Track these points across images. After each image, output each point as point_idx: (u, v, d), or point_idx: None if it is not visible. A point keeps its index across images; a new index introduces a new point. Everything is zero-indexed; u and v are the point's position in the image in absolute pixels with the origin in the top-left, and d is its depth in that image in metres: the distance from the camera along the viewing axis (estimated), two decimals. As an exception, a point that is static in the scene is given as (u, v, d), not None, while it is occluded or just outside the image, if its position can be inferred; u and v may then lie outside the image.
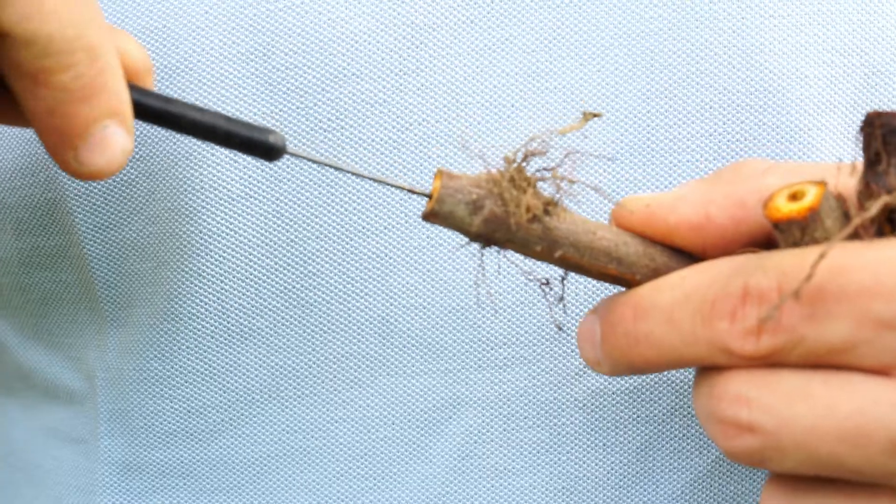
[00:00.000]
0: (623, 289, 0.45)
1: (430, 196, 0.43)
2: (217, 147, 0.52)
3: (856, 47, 0.53)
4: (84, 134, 0.40)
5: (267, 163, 0.52)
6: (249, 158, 0.52)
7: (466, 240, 0.43)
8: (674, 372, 0.54)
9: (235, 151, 0.49)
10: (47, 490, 0.60)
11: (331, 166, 0.44)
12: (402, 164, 0.52)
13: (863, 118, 0.40)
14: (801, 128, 0.53)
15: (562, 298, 0.47)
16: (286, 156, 0.51)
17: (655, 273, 0.44)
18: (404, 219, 0.52)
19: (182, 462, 0.56)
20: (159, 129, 0.52)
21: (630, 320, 0.42)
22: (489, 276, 0.53)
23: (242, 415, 0.55)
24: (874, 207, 0.39)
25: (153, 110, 0.42)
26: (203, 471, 0.56)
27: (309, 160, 0.44)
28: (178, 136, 0.52)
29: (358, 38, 0.52)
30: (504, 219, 0.42)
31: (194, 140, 0.52)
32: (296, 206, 0.52)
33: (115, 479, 0.57)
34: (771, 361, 0.39)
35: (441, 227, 0.52)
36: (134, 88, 0.42)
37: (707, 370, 0.41)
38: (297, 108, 0.52)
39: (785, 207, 0.40)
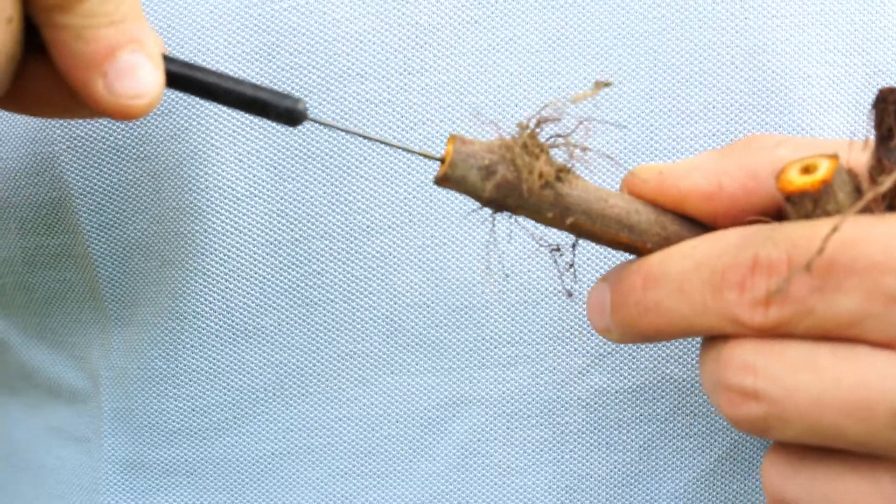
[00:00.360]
0: (634, 257, 0.45)
1: (442, 160, 0.43)
2: (221, 146, 0.52)
3: (858, 47, 0.53)
4: (111, 57, 0.41)
5: (272, 158, 0.52)
6: (253, 157, 0.52)
7: (478, 205, 0.43)
8: (677, 371, 0.54)
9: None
10: (50, 489, 0.60)
11: (349, 132, 0.44)
12: (406, 164, 0.52)
13: (876, 93, 0.40)
14: (804, 127, 0.53)
15: (572, 265, 0.47)
16: (295, 149, 0.51)
17: (667, 241, 0.44)
18: (408, 218, 0.53)
19: (186, 460, 0.56)
20: (164, 127, 0.52)
21: (640, 289, 0.43)
22: (493, 276, 0.53)
23: (246, 413, 0.55)
24: (887, 183, 0.39)
25: (176, 75, 0.43)
26: (207, 469, 0.56)
27: (329, 126, 0.44)
28: (182, 135, 0.52)
29: (362, 37, 0.52)
30: (516, 184, 0.42)
31: (199, 139, 0.52)
32: (300, 205, 0.53)
33: (119, 478, 0.57)
34: (779, 332, 0.39)
35: (445, 227, 0.52)
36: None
37: (714, 338, 0.41)
38: None
39: (798, 180, 0.40)
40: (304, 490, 0.55)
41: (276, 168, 0.52)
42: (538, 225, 0.44)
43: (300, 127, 0.52)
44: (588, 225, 0.43)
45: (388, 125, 0.52)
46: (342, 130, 0.44)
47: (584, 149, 0.43)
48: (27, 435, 0.61)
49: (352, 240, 0.53)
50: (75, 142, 0.53)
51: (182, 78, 0.43)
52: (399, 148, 0.44)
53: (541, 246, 0.48)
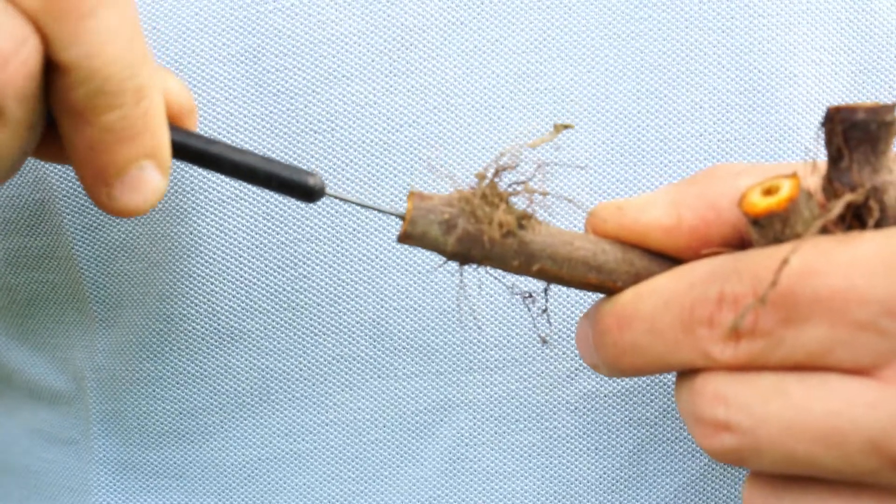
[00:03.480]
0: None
1: (403, 218, 0.43)
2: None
3: (844, 46, 0.53)
4: (121, 173, 0.42)
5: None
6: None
7: (443, 259, 0.44)
8: (666, 375, 0.54)
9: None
10: (40, 491, 0.60)
11: (368, 207, 0.45)
12: (392, 166, 0.53)
13: (823, 114, 0.40)
14: (791, 127, 0.53)
15: (545, 310, 0.47)
16: (281, 151, 0.51)
17: (636, 278, 0.44)
18: (394, 220, 0.53)
19: (173, 463, 0.56)
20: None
21: (616, 330, 0.43)
22: (480, 281, 0.53)
23: (233, 417, 0.55)
24: (837, 207, 0.40)
25: (193, 151, 0.44)
26: (194, 472, 0.56)
27: (348, 202, 0.45)
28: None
29: (348, 39, 0.52)
30: (478, 236, 0.43)
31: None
32: (286, 208, 0.53)
33: (109, 479, 0.57)
34: (752, 366, 0.40)
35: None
36: (175, 129, 0.44)
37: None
38: (288, 109, 0.52)
39: (762, 202, 0.40)
40: (290, 495, 0.55)
41: None
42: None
43: (286, 131, 0.52)
44: (555, 270, 0.44)
45: (375, 127, 0.52)
46: (359, 205, 0.45)
47: (545, 193, 0.43)
48: (7, 437, 0.61)
49: (338, 243, 0.53)
50: None
51: (195, 153, 0.44)
52: (364, 207, 0.45)
53: (513, 294, 0.48)
